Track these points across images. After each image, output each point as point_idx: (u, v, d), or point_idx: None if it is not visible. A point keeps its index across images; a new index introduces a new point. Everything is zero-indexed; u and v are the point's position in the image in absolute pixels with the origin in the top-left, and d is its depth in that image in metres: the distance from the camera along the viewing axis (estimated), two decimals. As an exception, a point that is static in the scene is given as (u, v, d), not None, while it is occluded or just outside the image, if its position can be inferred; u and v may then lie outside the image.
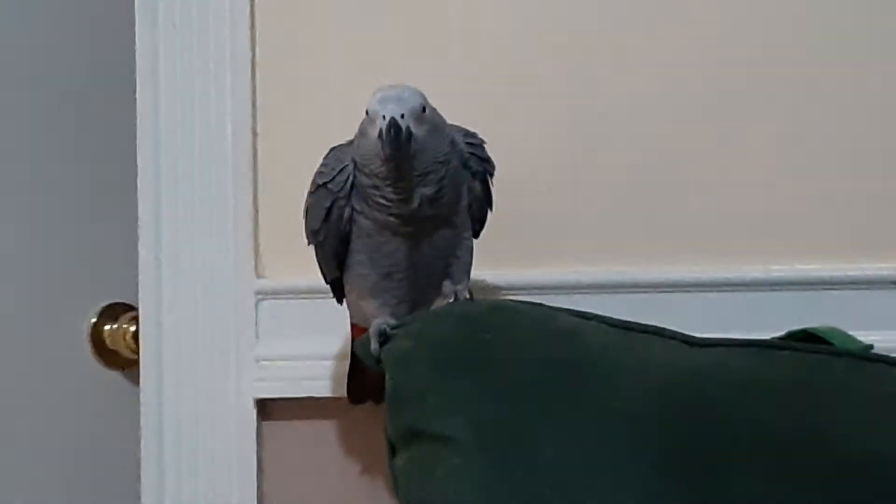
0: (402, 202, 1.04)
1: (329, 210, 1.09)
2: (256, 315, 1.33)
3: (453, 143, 1.07)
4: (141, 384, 1.34)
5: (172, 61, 1.34)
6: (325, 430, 1.34)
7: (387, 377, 1.03)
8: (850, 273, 1.28)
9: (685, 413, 0.95)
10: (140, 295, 1.35)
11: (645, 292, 1.29)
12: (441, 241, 1.08)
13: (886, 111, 1.31)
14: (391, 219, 1.05)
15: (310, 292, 1.31)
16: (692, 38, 1.32)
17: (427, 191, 1.04)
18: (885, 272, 1.28)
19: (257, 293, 1.33)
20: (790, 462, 0.91)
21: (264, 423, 1.35)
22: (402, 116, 1.00)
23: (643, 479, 0.92)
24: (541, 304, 1.07)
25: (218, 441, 1.33)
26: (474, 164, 1.10)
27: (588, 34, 1.33)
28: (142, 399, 1.34)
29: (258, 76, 1.35)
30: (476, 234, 1.14)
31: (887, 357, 0.99)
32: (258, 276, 1.34)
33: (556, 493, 0.92)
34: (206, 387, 1.33)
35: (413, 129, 1.01)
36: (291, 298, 1.32)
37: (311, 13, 1.36)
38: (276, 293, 1.33)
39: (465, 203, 1.10)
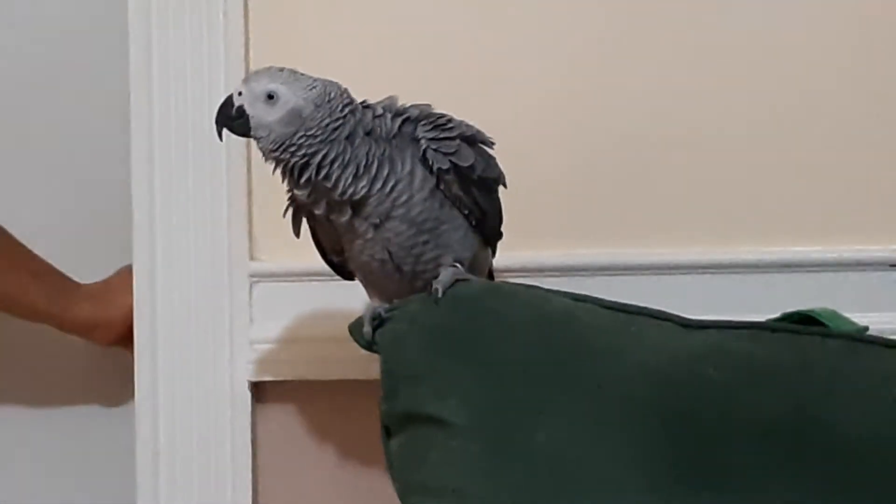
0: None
1: (295, 217, 1.13)
2: (251, 298, 1.33)
3: (383, 133, 1.06)
4: (135, 367, 1.34)
5: (166, 43, 1.33)
6: (319, 413, 1.34)
7: (381, 360, 1.04)
8: (846, 255, 1.28)
9: (681, 395, 0.95)
10: (135, 278, 1.34)
11: (639, 274, 1.28)
12: (402, 239, 1.06)
13: (880, 92, 1.31)
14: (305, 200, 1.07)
15: (304, 275, 1.31)
16: (686, 26, 1.32)
17: (299, 178, 1.05)
18: (880, 254, 1.28)
19: (251, 276, 1.33)
20: (787, 444, 0.92)
21: (259, 405, 1.35)
22: (240, 94, 1.04)
23: (639, 462, 0.92)
24: (535, 287, 1.07)
25: (212, 424, 1.33)
26: (436, 159, 1.06)
27: (586, 25, 1.33)
28: (136, 382, 1.34)
29: (252, 59, 1.34)
30: (489, 243, 1.13)
31: (883, 339, 0.99)
32: (252, 258, 1.34)
33: (551, 476, 0.93)
34: (201, 370, 1.33)
35: (250, 110, 1.04)
36: (286, 281, 1.32)
37: (306, 1, 1.35)
38: (270, 276, 1.33)
39: (420, 197, 1.06)
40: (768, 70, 1.31)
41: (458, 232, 1.08)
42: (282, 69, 1.06)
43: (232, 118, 1.05)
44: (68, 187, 1.52)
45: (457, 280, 1.05)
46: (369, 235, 1.06)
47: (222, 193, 1.32)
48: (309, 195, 1.06)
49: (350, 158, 1.04)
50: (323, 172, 1.04)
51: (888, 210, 1.30)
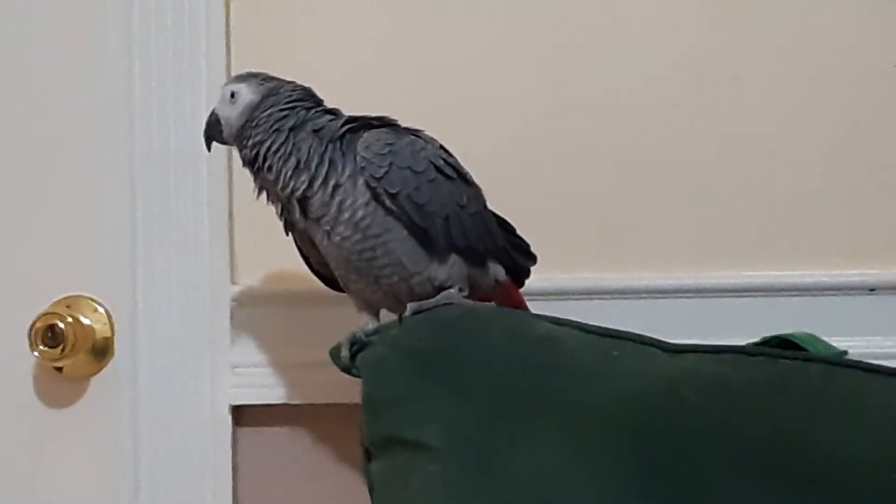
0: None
1: (283, 220, 1.12)
2: (232, 322, 1.32)
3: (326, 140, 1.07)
4: (117, 390, 1.34)
5: (149, 67, 1.33)
6: (300, 437, 1.33)
7: (362, 384, 1.03)
8: (825, 279, 1.29)
9: (661, 419, 0.95)
10: (115, 301, 1.34)
11: (620, 298, 1.29)
12: (350, 244, 1.06)
13: (863, 118, 1.32)
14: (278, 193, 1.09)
15: (285, 299, 1.30)
16: (672, 46, 1.33)
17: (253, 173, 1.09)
18: (860, 278, 1.29)
19: (232, 300, 1.32)
20: (765, 469, 0.92)
21: (239, 429, 1.34)
22: (220, 101, 1.11)
23: (619, 486, 0.92)
24: (518, 311, 1.07)
25: (193, 447, 1.32)
26: (372, 181, 1.05)
27: (573, 41, 1.34)
28: (118, 405, 1.33)
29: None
30: (478, 264, 1.11)
31: (861, 363, 0.99)
32: (233, 282, 1.33)
33: (531, 501, 0.92)
34: (182, 393, 1.32)
35: (220, 112, 1.10)
36: (266, 305, 1.32)
37: (286, 9, 1.35)
38: (251, 300, 1.32)
39: (362, 202, 1.05)
40: (748, 97, 1.32)
41: (404, 243, 1.07)
42: (245, 71, 1.11)
43: (211, 125, 1.11)
44: (50, 205, 1.48)
45: (444, 304, 1.05)
46: (325, 242, 1.07)
47: (204, 216, 1.32)
48: (259, 191, 1.10)
49: (291, 151, 1.06)
50: (266, 164, 1.07)
51: (867, 235, 1.31)
